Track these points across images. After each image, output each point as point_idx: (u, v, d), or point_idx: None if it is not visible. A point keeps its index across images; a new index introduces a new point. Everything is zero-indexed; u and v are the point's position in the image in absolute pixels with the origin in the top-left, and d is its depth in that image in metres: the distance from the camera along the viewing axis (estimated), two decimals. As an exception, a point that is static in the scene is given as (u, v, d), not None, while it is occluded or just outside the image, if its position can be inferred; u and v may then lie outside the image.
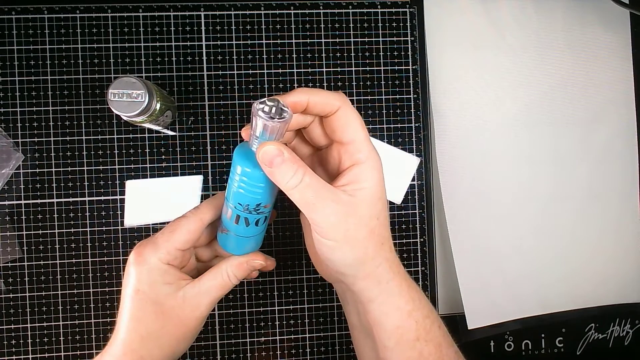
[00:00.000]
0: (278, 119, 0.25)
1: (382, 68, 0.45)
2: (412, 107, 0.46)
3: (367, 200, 0.27)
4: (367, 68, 0.45)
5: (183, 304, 0.30)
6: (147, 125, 0.40)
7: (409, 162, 0.45)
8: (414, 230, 0.45)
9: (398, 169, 0.45)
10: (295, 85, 0.45)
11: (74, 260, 0.42)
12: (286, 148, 0.26)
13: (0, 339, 0.41)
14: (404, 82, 0.46)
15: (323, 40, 0.45)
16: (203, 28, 0.44)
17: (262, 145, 0.25)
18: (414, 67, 0.46)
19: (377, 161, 0.29)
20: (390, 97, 0.45)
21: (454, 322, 0.45)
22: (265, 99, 0.25)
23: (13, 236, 0.42)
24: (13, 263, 0.42)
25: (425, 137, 0.46)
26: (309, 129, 0.30)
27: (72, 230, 0.42)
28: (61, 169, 0.42)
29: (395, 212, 0.45)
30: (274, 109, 0.25)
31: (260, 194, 0.28)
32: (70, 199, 0.42)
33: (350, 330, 0.34)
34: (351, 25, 0.45)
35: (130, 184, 0.43)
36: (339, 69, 0.45)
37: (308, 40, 0.45)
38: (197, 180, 0.44)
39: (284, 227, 0.44)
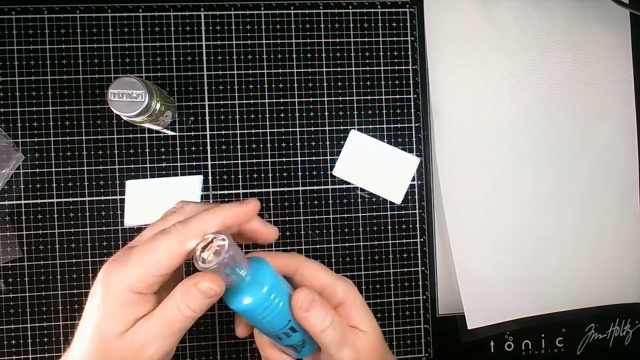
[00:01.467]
0: (223, 256, 0.24)
1: (382, 68, 0.45)
2: (412, 107, 0.46)
3: (374, 336, 0.29)
4: (367, 68, 0.45)
5: (131, 347, 0.24)
6: (147, 125, 0.40)
7: (409, 162, 0.45)
8: (414, 230, 0.45)
9: (398, 169, 0.45)
10: (295, 85, 0.45)
11: (74, 260, 0.42)
12: (317, 294, 0.27)
13: (0, 339, 0.41)
14: (404, 82, 0.46)
15: (323, 40, 0.45)
16: (203, 28, 0.44)
17: (298, 293, 0.26)
18: (414, 67, 0.46)
19: (353, 290, 0.30)
20: (390, 97, 0.45)
21: (454, 322, 0.45)
22: (198, 249, 0.24)
23: (13, 236, 0.42)
24: (13, 263, 0.42)
25: (425, 137, 0.46)
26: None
27: (72, 230, 0.42)
28: (61, 169, 0.42)
29: (395, 212, 0.45)
30: (212, 254, 0.24)
31: (279, 310, 0.27)
32: (70, 199, 0.42)
33: None
34: (351, 25, 0.45)
35: (130, 184, 0.43)
36: (339, 69, 0.45)
37: (308, 40, 0.45)
38: (197, 180, 0.44)
39: (283, 227, 0.44)
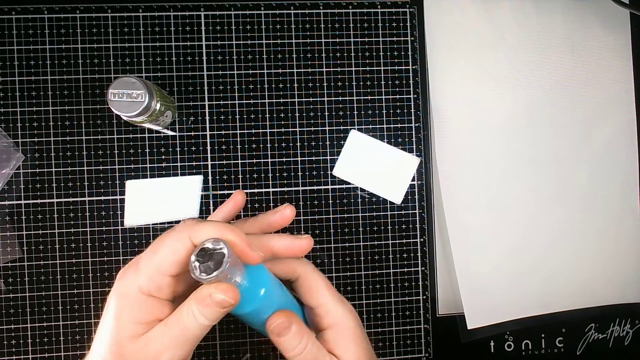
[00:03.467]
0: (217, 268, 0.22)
1: (382, 68, 0.45)
2: (412, 107, 0.46)
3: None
4: (367, 68, 0.45)
5: (144, 352, 0.23)
6: (147, 125, 0.40)
7: (409, 162, 0.45)
8: (414, 230, 0.45)
9: (398, 169, 0.45)
10: (295, 85, 0.45)
11: (74, 260, 0.42)
12: (295, 318, 0.26)
13: (0, 339, 0.41)
14: (404, 82, 0.46)
15: (323, 40, 0.45)
16: (203, 28, 0.44)
17: (274, 318, 0.26)
18: (414, 67, 0.46)
19: (350, 320, 0.29)
20: (390, 97, 0.45)
21: (454, 322, 0.45)
22: (193, 259, 0.23)
23: (13, 236, 0.42)
24: (13, 263, 0.42)
25: (425, 137, 0.46)
26: None
27: (72, 230, 0.42)
28: (61, 169, 0.42)
29: (395, 212, 0.45)
30: (212, 264, 0.23)
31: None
32: (70, 199, 0.42)
33: None
34: (351, 25, 0.45)
35: (130, 184, 0.43)
36: (339, 69, 0.45)
37: (308, 40, 0.45)
38: (197, 180, 0.44)
39: (283, 227, 0.44)
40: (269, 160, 0.44)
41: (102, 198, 0.43)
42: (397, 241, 0.45)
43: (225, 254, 0.23)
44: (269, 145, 0.44)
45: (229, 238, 0.24)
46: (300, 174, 0.45)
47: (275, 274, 0.29)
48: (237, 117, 0.44)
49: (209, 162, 0.44)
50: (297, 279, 0.29)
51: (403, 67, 0.46)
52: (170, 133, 0.44)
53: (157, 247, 0.24)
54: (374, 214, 0.45)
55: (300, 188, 0.44)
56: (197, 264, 0.22)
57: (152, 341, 0.23)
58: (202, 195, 0.44)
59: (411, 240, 0.45)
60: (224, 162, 0.44)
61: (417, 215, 0.45)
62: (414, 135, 0.46)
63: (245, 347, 0.44)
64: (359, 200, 0.45)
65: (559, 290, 0.46)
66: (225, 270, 0.22)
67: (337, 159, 0.45)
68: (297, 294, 0.30)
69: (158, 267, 0.24)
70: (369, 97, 0.45)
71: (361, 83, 0.45)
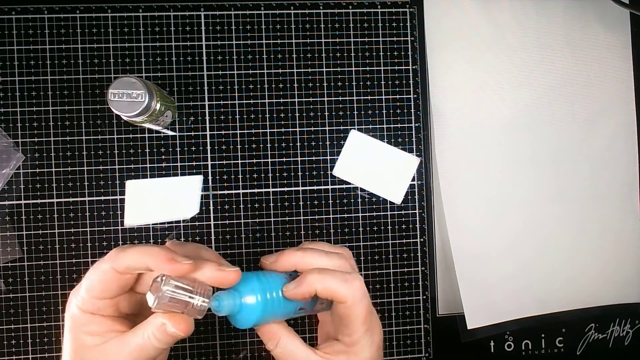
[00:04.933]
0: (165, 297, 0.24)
1: (382, 68, 0.45)
2: (412, 107, 0.46)
3: None
4: (367, 68, 0.45)
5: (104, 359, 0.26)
6: (147, 125, 0.40)
7: (409, 162, 0.45)
8: (414, 230, 0.45)
9: (398, 169, 0.45)
10: (295, 85, 0.44)
11: (74, 260, 0.42)
12: (262, 326, 0.29)
13: (0, 339, 0.41)
14: (404, 82, 0.46)
15: (323, 40, 0.45)
16: (203, 28, 0.44)
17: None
18: (414, 67, 0.46)
19: (365, 350, 0.30)
20: (390, 97, 0.45)
21: (454, 322, 0.45)
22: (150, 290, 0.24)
23: (13, 236, 0.42)
24: (13, 263, 0.42)
25: (425, 137, 0.46)
26: None
27: (72, 230, 0.42)
28: (61, 169, 0.42)
29: (395, 212, 0.45)
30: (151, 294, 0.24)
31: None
32: (70, 199, 0.42)
33: None
34: (351, 25, 0.45)
35: (130, 184, 0.43)
36: (339, 69, 0.45)
37: (308, 40, 0.45)
38: (197, 180, 0.44)
39: (284, 227, 0.44)
40: (269, 160, 0.44)
41: (102, 198, 0.43)
42: (397, 241, 0.45)
43: (159, 285, 0.24)
44: (269, 145, 0.44)
45: (151, 265, 0.25)
46: (300, 174, 0.45)
47: (323, 294, 0.29)
48: (237, 117, 0.44)
49: (209, 162, 0.44)
50: (344, 303, 0.29)
51: (403, 67, 0.46)
52: (170, 133, 0.44)
53: (89, 273, 0.27)
54: (374, 214, 0.45)
55: (300, 188, 0.44)
56: (149, 294, 0.24)
57: (109, 353, 0.26)
58: (202, 195, 0.44)
59: (411, 240, 0.45)
60: (224, 162, 0.44)
61: (417, 215, 0.45)
62: (414, 135, 0.46)
63: (245, 347, 0.44)
64: (359, 200, 0.45)
65: (559, 290, 0.46)
66: (160, 298, 0.23)
67: (337, 159, 0.45)
68: (334, 310, 0.31)
69: (89, 292, 0.26)
70: (369, 97, 0.45)
71: (361, 83, 0.45)
